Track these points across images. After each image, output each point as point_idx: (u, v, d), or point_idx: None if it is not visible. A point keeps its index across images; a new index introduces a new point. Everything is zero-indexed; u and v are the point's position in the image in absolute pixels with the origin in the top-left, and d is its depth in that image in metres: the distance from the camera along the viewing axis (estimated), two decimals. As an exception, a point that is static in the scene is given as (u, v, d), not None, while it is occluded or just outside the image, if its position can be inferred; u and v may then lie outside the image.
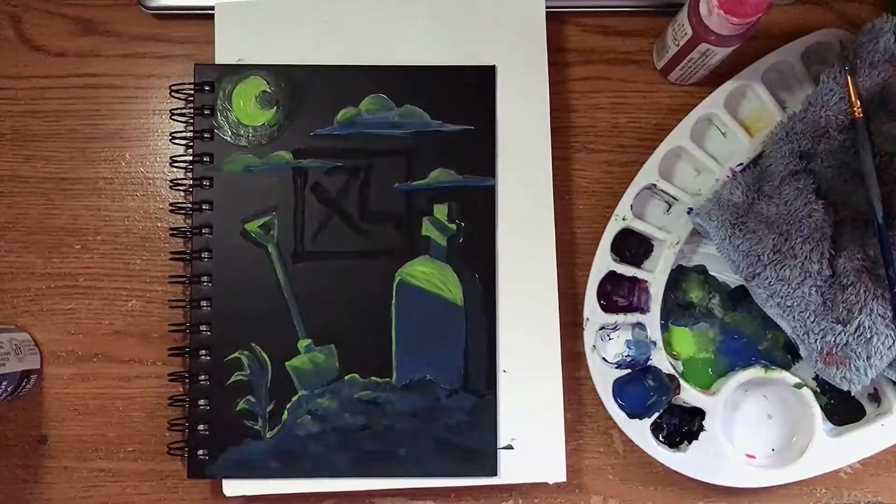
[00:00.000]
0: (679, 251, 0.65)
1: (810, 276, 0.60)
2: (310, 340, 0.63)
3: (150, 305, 0.66)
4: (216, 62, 0.65)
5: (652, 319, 0.64)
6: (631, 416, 0.64)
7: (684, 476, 0.64)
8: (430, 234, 0.64)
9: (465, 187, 0.64)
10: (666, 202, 0.67)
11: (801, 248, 0.59)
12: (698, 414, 0.64)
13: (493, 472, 0.63)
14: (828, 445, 0.63)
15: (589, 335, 0.64)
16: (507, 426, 0.63)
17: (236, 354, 0.63)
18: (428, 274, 0.64)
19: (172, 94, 0.65)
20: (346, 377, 0.63)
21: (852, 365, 0.59)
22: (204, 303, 0.64)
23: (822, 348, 0.59)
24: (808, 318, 0.60)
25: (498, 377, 0.63)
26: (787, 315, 0.60)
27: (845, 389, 0.60)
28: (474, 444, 0.62)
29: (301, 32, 0.66)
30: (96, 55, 0.68)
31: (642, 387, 0.65)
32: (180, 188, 0.65)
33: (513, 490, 0.65)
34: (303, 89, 0.65)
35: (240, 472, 0.62)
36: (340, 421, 0.63)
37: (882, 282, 0.59)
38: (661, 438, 0.65)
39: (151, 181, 0.67)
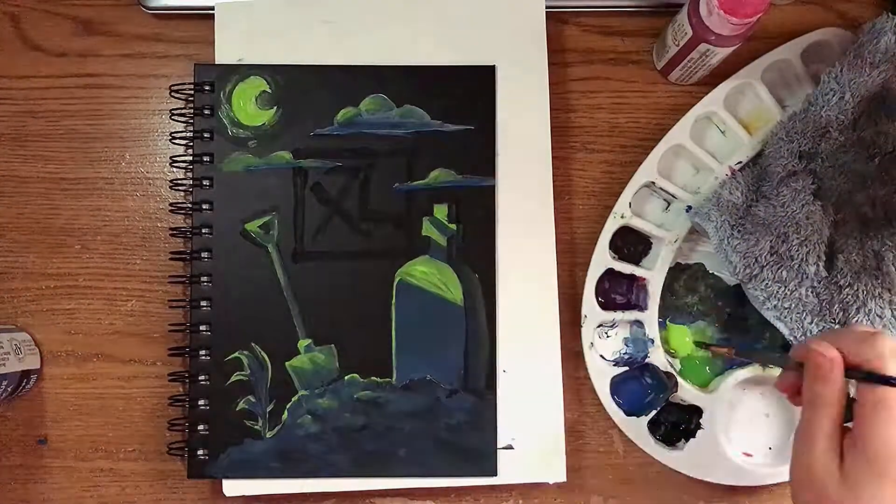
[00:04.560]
0: (677, 249, 0.65)
1: (807, 278, 0.60)
2: (310, 340, 0.63)
3: (150, 305, 0.66)
4: (216, 62, 0.65)
5: (650, 317, 0.65)
6: (628, 414, 0.64)
7: (684, 476, 0.64)
8: (430, 234, 0.64)
9: (465, 187, 0.64)
10: (665, 200, 0.67)
11: (797, 250, 0.60)
12: (696, 412, 0.64)
13: (493, 472, 0.63)
14: (826, 444, 0.63)
15: (587, 332, 0.64)
16: (507, 426, 0.63)
17: (236, 354, 0.63)
18: (428, 274, 0.64)
19: (172, 94, 0.65)
20: (346, 377, 0.63)
21: (851, 366, 0.59)
22: (204, 303, 0.64)
23: (820, 349, 0.60)
24: (805, 319, 0.60)
25: (498, 377, 0.63)
26: (785, 317, 0.60)
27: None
28: (474, 444, 0.63)
29: (301, 32, 0.66)
30: (96, 55, 0.68)
31: (640, 384, 0.65)
32: (180, 188, 0.65)
33: (513, 490, 0.65)
34: (303, 89, 0.65)
35: (240, 472, 0.62)
36: (340, 421, 0.63)
37: (880, 281, 0.59)
38: (658, 436, 0.65)
39: (151, 181, 0.67)
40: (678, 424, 0.65)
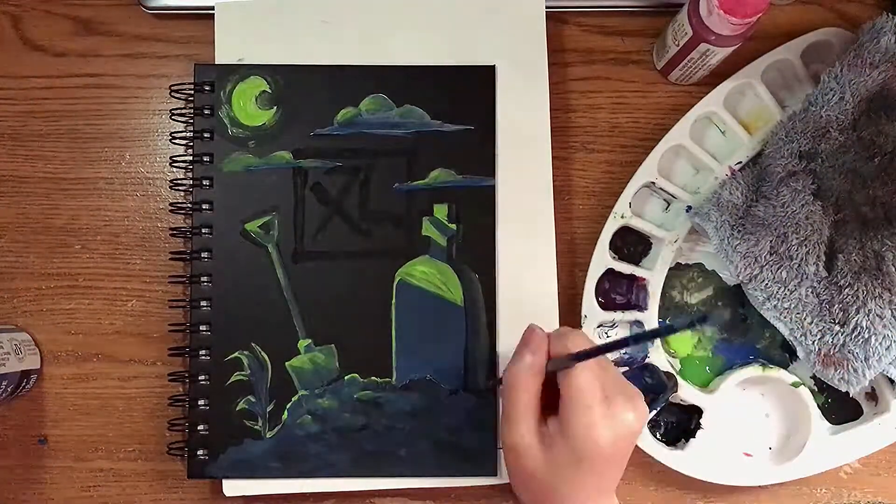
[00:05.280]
0: (677, 249, 0.65)
1: (807, 278, 0.60)
2: (310, 340, 0.63)
3: (150, 305, 0.66)
4: (216, 62, 0.65)
5: (650, 317, 0.65)
6: (629, 415, 0.64)
7: (684, 476, 0.64)
8: (430, 234, 0.64)
9: (465, 187, 0.64)
10: (665, 200, 0.67)
11: (797, 250, 0.60)
12: (696, 412, 0.64)
13: (493, 472, 0.63)
14: (825, 444, 0.63)
15: (587, 332, 0.64)
16: (507, 426, 0.63)
17: (236, 354, 0.63)
18: (428, 274, 0.64)
19: (172, 94, 0.65)
20: (346, 377, 0.63)
21: (850, 366, 0.59)
22: (204, 303, 0.64)
23: (819, 349, 0.60)
24: (805, 319, 0.60)
25: (498, 377, 0.63)
26: (785, 317, 0.60)
27: (843, 390, 0.60)
28: (474, 444, 0.63)
29: (301, 32, 0.66)
30: (96, 55, 0.68)
31: (640, 384, 0.65)
32: (180, 188, 0.65)
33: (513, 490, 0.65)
34: (303, 89, 0.65)
35: (240, 472, 0.62)
36: (340, 421, 0.63)
37: (880, 281, 0.59)
38: (658, 436, 0.65)
39: (151, 181, 0.67)
40: (678, 424, 0.65)
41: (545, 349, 0.54)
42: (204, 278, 0.64)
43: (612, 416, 0.51)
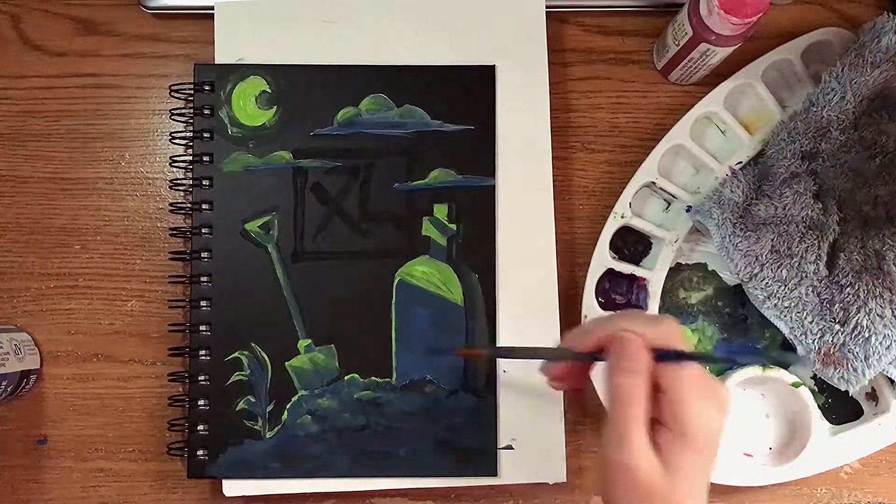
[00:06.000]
0: (678, 249, 0.65)
1: (807, 277, 0.60)
2: (310, 340, 0.63)
3: (150, 305, 0.66)
4: (216, 62, 0.65)
5: (651, 318, 0.65)
6: (630, 415, 0.64)
7: (684, 475, 0.64)
8: (430, 234, 0.64)
9: (465, 187, 0.64)
10: (665, 200, 0.67)
11: (797, 249, 0.60)
12: (697, 413, 0.64)
13: (493, 472, 0.63)
14: (825, 444, 0.63)
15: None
16: (507, 426, 0.63)
17: (236, 354, 0.63)
18: (428, 274, 0.64)
19: (172, 94, 0.65)
20: (346, 377, 0.63)
21: (850, 366, 0.59)
22: (204, 303, 0.64)
23: (819, 348, 0.60)
24: (805, 318, 0.60)
25: (498, 377, 0.63)
26: (785, 316, 0.60)
27: (843, 389, 0.60)
28: (474, 444, 0.63)
29: (301, 32, 0.66)
30: (96, 55, 0.68)
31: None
32: (180, 188, 0.65)
33: (513, 490, 0.65)
34: (303, 89, 0.65)
35: (240, 472, 0.62)
36: (340, 421, 0.63)
37: (881, 280, 0.59)
38: (659, 437, 0.65)
39: (151, 181, 0.67)
40: (678, 425, 0.65)
41: (646, 356, 0.48)
42: (204, 278, 0.64)
43: (723, 404, 0.47)
